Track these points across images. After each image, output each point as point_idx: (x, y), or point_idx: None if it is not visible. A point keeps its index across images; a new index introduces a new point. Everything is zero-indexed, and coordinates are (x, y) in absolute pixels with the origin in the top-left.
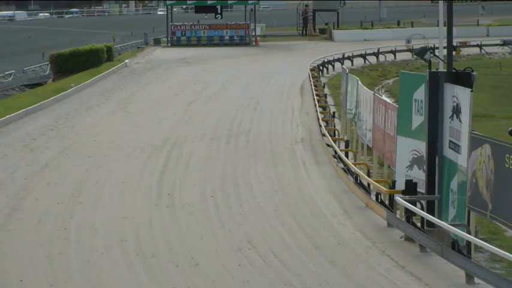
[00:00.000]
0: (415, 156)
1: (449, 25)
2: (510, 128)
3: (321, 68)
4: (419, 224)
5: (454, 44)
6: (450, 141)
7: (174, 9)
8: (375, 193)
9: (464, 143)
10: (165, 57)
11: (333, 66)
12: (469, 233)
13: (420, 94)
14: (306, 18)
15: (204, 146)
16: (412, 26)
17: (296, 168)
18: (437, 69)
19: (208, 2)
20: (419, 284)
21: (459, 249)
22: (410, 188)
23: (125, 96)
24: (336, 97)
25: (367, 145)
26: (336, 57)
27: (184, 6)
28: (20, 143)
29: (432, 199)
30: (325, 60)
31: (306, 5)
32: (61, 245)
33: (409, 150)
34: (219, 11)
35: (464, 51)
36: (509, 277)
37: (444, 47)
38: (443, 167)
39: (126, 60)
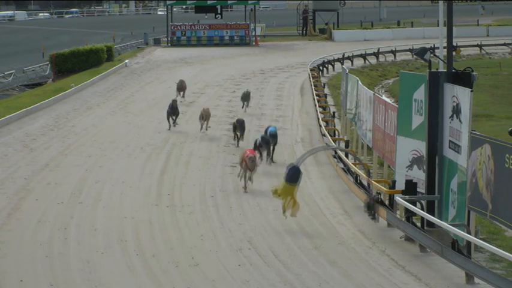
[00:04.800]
0: (415, 156)
1: (449, 25)
2: (510, 128)
3: (321, 68)
4: (419, 224)
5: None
6: (450, 141)
7: (174, 9)
8: (375, 193)
9: (464, 143)
10: (165, 57)
11: (333, 66)
12: (469, 233)
13: (420, 94)
14: (305, 18)
15: (204, 146)
16: (412, 26)
17: None
18: (437, 69)
19: (208, 2)
20: (419, 284)
21: (459, 249)
22: (410, 188)
23: (124, 96)
24: (336, 97)
25: (367, 145)
26: (336, 57)
27: (184, 6)
28: (20, 143)
29: (432, 199)
30: (325, 60)
31: (306, 5)
32: (61, 245)
33: (409, 150)
34: (219, 11)
35: (464, 51)
36: (509, 277)
37: (444, 47)
38: (443, 167)
39: (126, 60)
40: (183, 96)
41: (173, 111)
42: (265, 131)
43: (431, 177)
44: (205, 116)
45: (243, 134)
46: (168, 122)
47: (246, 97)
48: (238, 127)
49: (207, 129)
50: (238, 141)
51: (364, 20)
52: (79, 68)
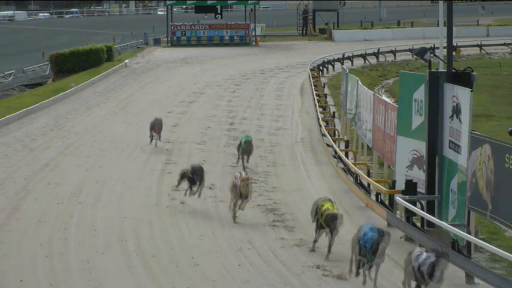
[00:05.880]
0: (415, 156)
1: (449, 25)
2: (510, 128)
3: (321, 68)
4: (419, 224)
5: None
6: (450, 141)
7: (174, 9)
8: (375, 193)
9: (464, 143)
10: (165, 57)
11: (333, 66)
12: (469, 233)
13: (420, 94)
14: (305, 18)
15: (203, 146)
16: (412, 26)
17: (296, 168)
18: (437, 69)
19: (208, 2)
20: None
21: (459, 249)
22: (410, 188)
23: (124, 96)
24: (336, 97)
25: (367, 145)
26: (336, 57)
27: (184, 6)
28: (20, 143)
29: (432, 199)
30: (325, 60)
31: (306, 5)
32: (61, 245)
33: (409, 150)
34: (219, 11)
35: (464, 51)
36: (509, 277)
37: (444, 47)
38: (443, 167)
39: (126, 60)
40: (159, 139)
41: (198, 178)
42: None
43: (431, 177)
44: (244, 193)
45: (336, 231)
46: (190, 189)
47: (247, 149)
48: (325, 222)
49: (235, 217)
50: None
51: (364, 20)
52: (79, 68)
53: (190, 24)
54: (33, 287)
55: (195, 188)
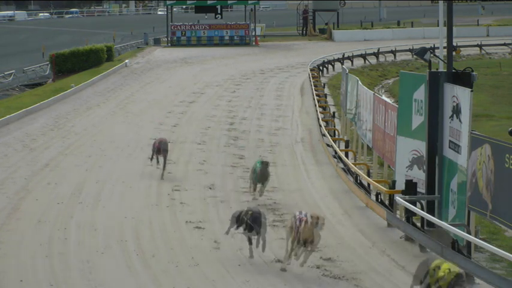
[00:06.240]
0: (415, 156)
1: (449, 25)
2: (510, 128)
3: (321, 68)
4: (419, 224)
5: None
6: (450, 141)
7: (174, 9)
8: (375, 193)
9: (464, 143)
10: (165, 57)
11: (333, 66)
12: (469, 233)
13: (420, 94)
14: (305, 18)
15: (203, 146)
16: (412, 26)
17: (296, 168)
18: (437, 69)
19: (208, 2)
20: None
21: (459, 249)
22: (410, 188)
23: (124, 96)
24: (336, 97)
25: (367, 145)
26: (336, 57)
27: (184, 6)
28: (20, 143)
29: (432, 199)
30: (325, 60)
31: (306, 5)
32: (61, 245)
33: (409, 150)
34: (219, 11)
35: (464, 51)
36: (509, 277)
37: (444, 47)
38: (443, 167)
39: (126, 60)
40: (164, 167)
41: (255, 227)
42: None
43: (431, 177)
44: (307, 237)
45: None
46: (250, 243)
47: (263, 176)
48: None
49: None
50: None
51: (364, 20)
52: (79, 68)
53: (190, 24)
54: (33, 287)
55: (254, 240)
